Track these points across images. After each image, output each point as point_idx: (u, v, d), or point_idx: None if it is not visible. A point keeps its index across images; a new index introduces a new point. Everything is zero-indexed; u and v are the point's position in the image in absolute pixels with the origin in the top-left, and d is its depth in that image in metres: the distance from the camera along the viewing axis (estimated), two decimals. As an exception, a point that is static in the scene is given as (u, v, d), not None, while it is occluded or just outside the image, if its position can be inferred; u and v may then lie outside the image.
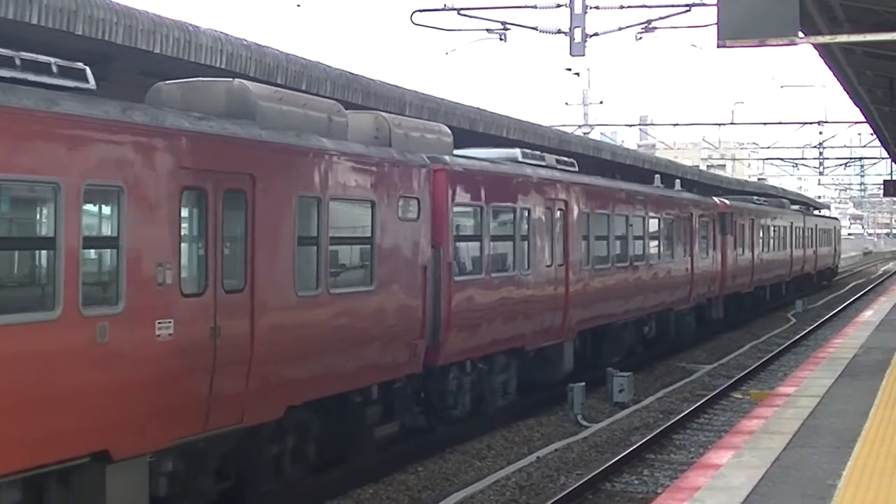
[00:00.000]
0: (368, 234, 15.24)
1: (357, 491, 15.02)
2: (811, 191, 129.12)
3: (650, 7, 25.48)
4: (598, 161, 34.21)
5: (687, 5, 24.86)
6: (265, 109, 13.70)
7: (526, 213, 20.33)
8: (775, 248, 46.51)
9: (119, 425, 10.81)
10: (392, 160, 15.89)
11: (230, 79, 14.04)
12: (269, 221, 12.97)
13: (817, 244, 58.91)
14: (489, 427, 19.18)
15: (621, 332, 26.52)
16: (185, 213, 11.80)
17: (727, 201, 38.31)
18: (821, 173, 77.56)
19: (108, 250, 10.90)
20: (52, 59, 11.04)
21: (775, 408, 14.99)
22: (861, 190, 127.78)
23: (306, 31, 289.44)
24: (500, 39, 25.92)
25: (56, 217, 10.16)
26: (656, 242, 28.92)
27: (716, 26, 12.92)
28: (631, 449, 17.66)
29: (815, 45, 18.17)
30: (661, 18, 25.35)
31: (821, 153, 68.96)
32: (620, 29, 25.51)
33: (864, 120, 33.66)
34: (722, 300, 37.10)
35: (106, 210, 10.97)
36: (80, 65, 11.40)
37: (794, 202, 60.48)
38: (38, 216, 10.50)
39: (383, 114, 17.45)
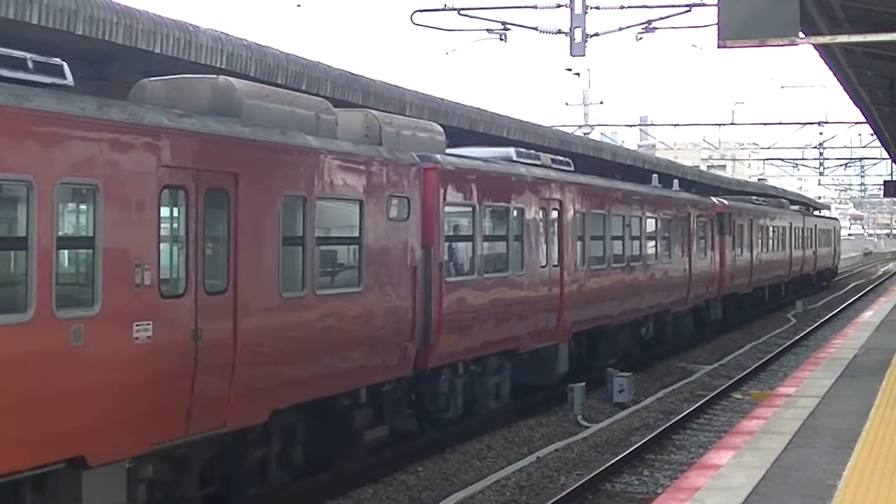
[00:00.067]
0: (356, 234, 14.98)
1: (357, 491, 14.95)
2: (811, 191, 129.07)
3: (650, 7, 25.50)
4: (598, 161, 34.15)
5: (687, 5, 24.88)
6: (251, 107, 13.49)
7: (520, 213, 20.06)
8: (774, 249, 46.33)
9: (95, 430, 10.53)
10: (381, 159, 15.61)
11: (215, 76, 13.82)
12: (253, 221, 12.71)
13: (817, 245, 58.76)
14: (489, 427, 19.12)
15: (617, 333, 26.27)
16: (164, 212, 11.53)
17: (725, 201, 38.12)
18: (821, 174, 77.52)
19: (84, 250, 10.64)
20: (28, 55, 10.79)
21: (775, 408, 14.95)
22: (861, 190, 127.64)
23: (306, 31, 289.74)
24: (501, 39, 25.94)
25: (28, 216, 9.89)
26: (653, 243, 28.69)
27: (716, 26, 12.94)
28: (631, 449, 17.60)
29: (816, 46, 18.17)
30: (662, 19, 25.38)
31: (821, 153, 68.92)
32: (621, 29, 25.51)
33: (865, 120, 33.64)
34: (720, 301, 36.88)
35: (81, 209, 10.72)
36: (58, 60, 11.17)
37: (793, 202, 60.32)
38: (9, 215, 10.20)
39: (373, 112, 17.21)
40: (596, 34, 24.02)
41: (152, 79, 13.56)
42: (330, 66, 19.31)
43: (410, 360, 16.30)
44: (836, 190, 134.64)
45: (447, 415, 18.07)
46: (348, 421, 15.12)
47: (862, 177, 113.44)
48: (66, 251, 10.53)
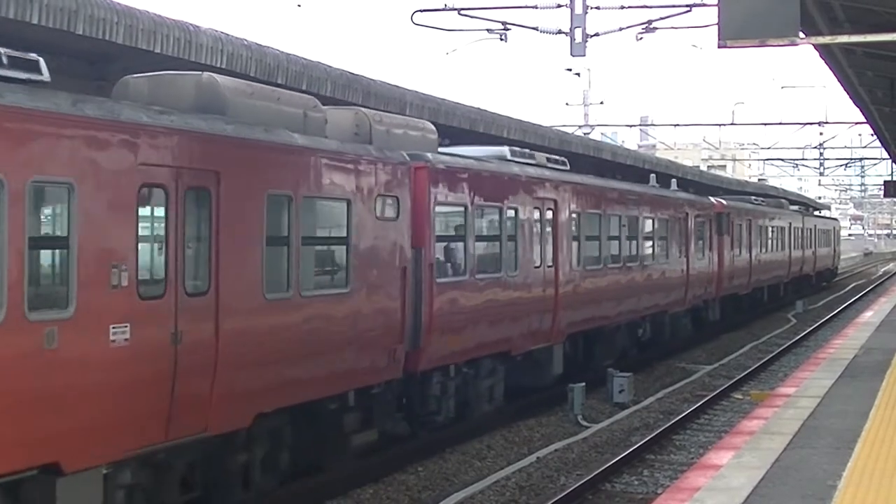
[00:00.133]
0: (344, 234, 14.70)
1: (357, 491, 14.89)
2: (812, 191, 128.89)
3: (651, 7, 25.50)
4: (598, 161, 34.03)
5: (687, 6, 24.91)
6: (236, 104, 13.25)
7: (513, 213, 19.78)
8: (773, 249, 46.11)
9: (70, 436, 10.25)
10: (370, 157, 15.32)
11: (199, 72, 13.57)
12: (236, 220, 12.42)
13: (816, 245, 58.55)
14: (489, 427, 19.06)
15: (614, 334, 26.00)
16: (143, 211, 11.22)
17: (724, 201, 37.86)
18: (821, 174, 77.42)
19: (57, 251, 10.35)
20: (2, 50, 10.50)
21: (775, 408, 14.96)
22: (861, 191, 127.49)
23: (306, 31, 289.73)
24: (501, 39, 25.99)
25: (-1, 215, 9.60)
26: (650, 243, 28.43)
27: (716, 26, 12.96)
28: (631, 449, 17.58)
29: (816, 46, 18.18)
30: (662, 19, 25.40)
31: (821, 154, 68.80)
32: (621, 29, 25.53)
33: (865, 120, 33.62)
34: (719, 302, 36.63)
35: (55, 208, 10.43)
36: (34, 56, 10.91)
37: (793, 202, 60.13)
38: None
39: (364, 110, 16.96)
40: (596, 34, 24.02)
41: (135, 76, 13.32)
42: (330, 66, 19.23)
43: (400, 363, 16.01)
44: (836, 190, 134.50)
45: (438, 418, 17.81)
46: (336, 425, 14.84)
47: (862, 177, 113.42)
48: (38, 251, 10.22)
